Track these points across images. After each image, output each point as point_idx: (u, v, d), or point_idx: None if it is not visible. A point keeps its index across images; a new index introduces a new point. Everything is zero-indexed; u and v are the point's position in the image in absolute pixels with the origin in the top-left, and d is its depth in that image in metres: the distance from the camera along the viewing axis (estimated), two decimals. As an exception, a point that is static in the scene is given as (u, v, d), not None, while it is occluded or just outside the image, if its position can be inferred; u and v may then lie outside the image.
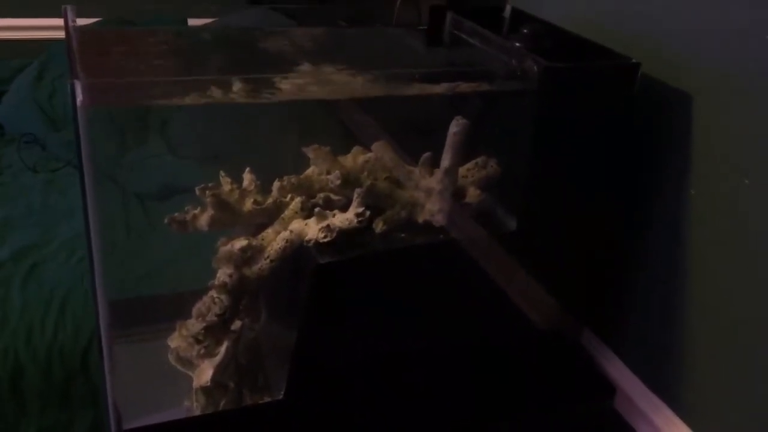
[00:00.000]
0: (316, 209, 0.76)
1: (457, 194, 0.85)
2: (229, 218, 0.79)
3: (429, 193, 0.82)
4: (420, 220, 0.82)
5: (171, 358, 0.84)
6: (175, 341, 0.83)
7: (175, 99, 0.67)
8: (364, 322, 0.79)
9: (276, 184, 0.78)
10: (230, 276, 0.78)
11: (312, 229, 0.77)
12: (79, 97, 0.61)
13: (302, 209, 0.79)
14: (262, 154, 1.12)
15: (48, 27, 2.23)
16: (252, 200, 0.79)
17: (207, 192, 0.76)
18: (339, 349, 0.79)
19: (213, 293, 0.79)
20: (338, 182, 0.77)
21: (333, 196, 0.81)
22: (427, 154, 0.82)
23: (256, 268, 0.79)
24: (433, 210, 0.81)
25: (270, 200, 0.80)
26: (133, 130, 1.81)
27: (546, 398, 0.91)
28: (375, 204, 0.81)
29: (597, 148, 0.81)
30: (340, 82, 0.73)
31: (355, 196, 0.76)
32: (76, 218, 1.49)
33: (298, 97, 0.70)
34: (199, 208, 0.79)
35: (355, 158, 0.83)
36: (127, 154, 1.75)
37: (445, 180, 0.81)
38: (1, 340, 1.21)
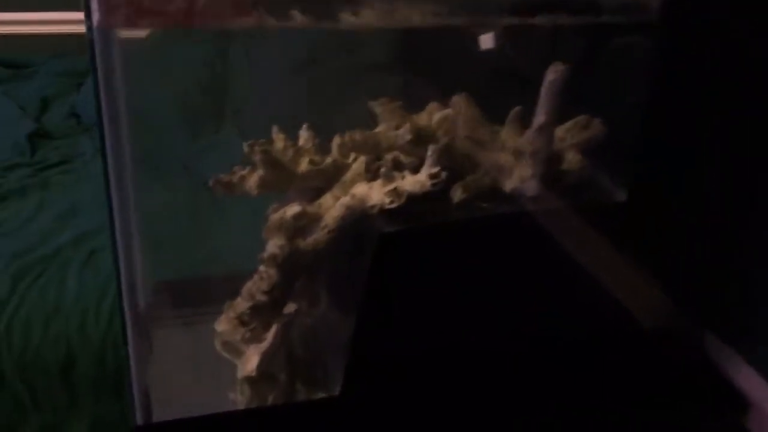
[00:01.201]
0: (382, 170, 0.64)
1: (553, 160, 0.70)
2: (281, 180, 0.67)
3: (518, 156, 0.68)
4: (507, 188, 0.69)
5: (217, 344, 0.73)
6: (221, 325, 0.72)
7: (224, 19, 0.56)
8: (435, 307, 0.66)
9: (336, 141, 0.66)
10: (281, 248, 0.66)
11: (377, 194, 0.64)
12: (96, 17, 0.51)
13: (367, 171, 0.67)
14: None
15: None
16: (308, 159, 0.67)
17: (256, 148, 0.65)
18: (405, 339, 0.66)
19: (261, 268, 0.67)
20: (408, 137, 0.64)
21: (403, 158, 0.68)
22: (516, 109, 0.69)
23: (311, 239, 0.67)
24: (523, 176, 0.68)
25: (329, 160, 0.68)
26: (205, 118, 1.75)
27: (658, 414, 0.75)
28: (453, 167, 0.67)
29: (735, 102, 0.66)
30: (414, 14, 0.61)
31: (429, 153, 0.63)
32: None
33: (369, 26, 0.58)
34: (248, 169, 0.68)
35: (430, 115, 0.70)
36: (199, 142, 1.69)
37: (539, 140, 0.67)
38: (54, 327, 1.14)
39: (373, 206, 0.64)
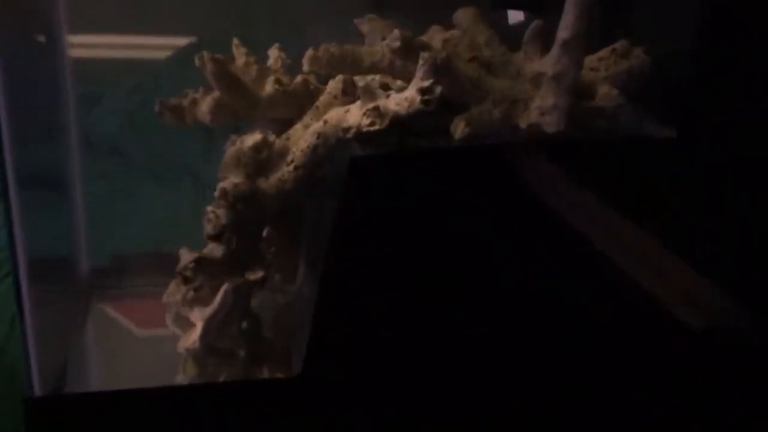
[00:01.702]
0: (361, 84, 0.51)
1: (583, 94, 0.56)
2: (240, 104, 0.54)
3: (538, 83, 0.54)
4: (523, 124, 0.55)
5: (168, 319, 0.59)
6: (169, 294, 0.59)
7: None
8: (416, 261, 0.51)
9: (308, 55, 0.53)
10: (235, 185, 0.53)
11: (354, 115, 0.51)
12: None
13: (344, 94, 0.54)
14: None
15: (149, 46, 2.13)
16: (274, 80, 0.54)
17: (208, 61, 0.52)
18: (378, 302, 0.51)
19: (208, 208, 0.54)
20: (397, 45, 0.51)
21: (391, 82, 0.55)
22: (536, 23, 0.55)
23: (274, 178, 0.54)
24: (544, 106, 0.54)
25: (298, 80, 0.55)
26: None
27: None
28: (454, 97, 0.54)
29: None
30: None
31: (420, 63, 0.50)
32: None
33: None
34: (201, 90, 0.55)
35: (431, 39, 0.57)
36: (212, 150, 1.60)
37: (565, 59, 0.53)
38: None
39: (347, 129, 0.50)
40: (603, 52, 0.57)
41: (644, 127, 0.57)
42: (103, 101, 1.97)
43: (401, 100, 0.50)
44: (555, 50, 0.53)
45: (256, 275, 0.58)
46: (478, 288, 0.51)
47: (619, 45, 0.57)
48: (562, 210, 0.54)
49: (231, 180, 0.53)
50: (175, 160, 1.60)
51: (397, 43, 0.50)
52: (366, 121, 0.49)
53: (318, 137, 0.52)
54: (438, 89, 0.49)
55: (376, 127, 0.49)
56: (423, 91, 0.49)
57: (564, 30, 0.52)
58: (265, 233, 0.62)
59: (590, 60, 0.57)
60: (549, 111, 0.53)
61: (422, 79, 0.49)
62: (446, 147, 0.50)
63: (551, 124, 0.53)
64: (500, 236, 0.52)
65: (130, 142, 1.79)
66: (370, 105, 0.50)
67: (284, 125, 0.56)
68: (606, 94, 0.56)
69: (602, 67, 0.57)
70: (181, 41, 1.91)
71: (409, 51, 0.51)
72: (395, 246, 0.50)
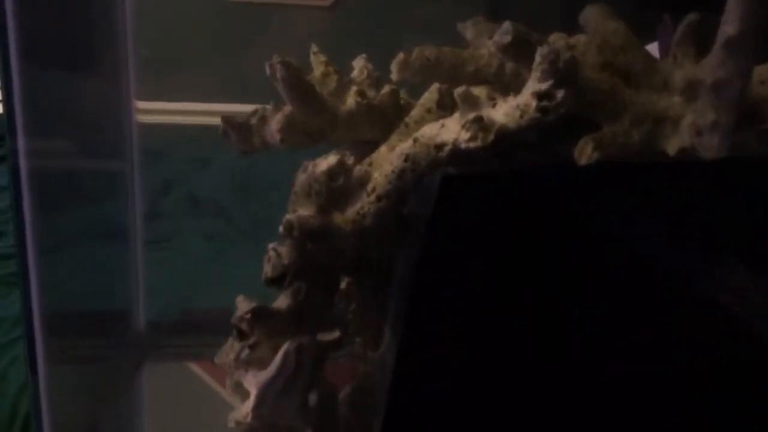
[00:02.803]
0: (459, 91, 0.40)
1: (748, 114, 0.44)
2: (316, 121, 0.45)
3: (692, 95, 0.42)
4: (671, 149, 0.42)
5: (228, 383, 0.49)
6: (223, 353, 0.49)
7: None
8: (536, 319, 0.39)
9: (398, 59, 0.43)
10: (304, 218, 0.43)
11: (450, 130, 0.40)
12: None
13: (440, 106, 0.44)
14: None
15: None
16: (356, 92, 0.45)
17: (278, 65, 0.44)
18: (478, 374, 0.39)
19: (271, 245, 0.44)
20: (507, 39, 0.40)
21: (500, 98, 0.44)
22: (691, 17, 0.43)
23: (352, 211, 0.44)
24: (700, 124, 0.41)
25: (385, 91, 0.45)
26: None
27: None
28: (581, 110, 0.43)
29: None
30: None
31: (538, 61, 0.39)
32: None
33: None
34: (272, 105, 0.47)
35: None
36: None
37: (730, 64, 0.40)
38: None
39: (441, 146, 0.39)
40: (778, 61, 0.44)
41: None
42: (213, 163, 2.00)
43: (511, 108, 0.39)
44: (716, 51, 0.41)
45: (330, 335, 0.47)
46: (609, 349, 0.38)
47: (801, 51, 0.44)
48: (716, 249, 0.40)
49: (299, 213, 0.43)
50: (277, 224, 1.57)
51: (508, 38, 0.40)
52: (465, 135, 0.39)
53: (406, 159, 0.42)
54: (560, 94, 0.38)
55: (478, 143, 0.38)
56: (540, 96, 0.38)
57: (729, 24, 0.40)
58: (343, 284, 0.51)
59: (759, 71, 0.44)
60: (707, 130, 0.41)
61: (539, 81, 0.38)
62: (566, 163, 0.38)
63: (710, 147, 0.41)
64: (639, 278, 0.39)
65: (235, 204, 1.80)
66: (471, 115, 0.39)
67: (369, 148, 0.47)
68: (784, 113, 0.43)
69: (778, 78, 0.44)
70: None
71: (523, 49, 0.40)
72: (499, 294, 0.38)
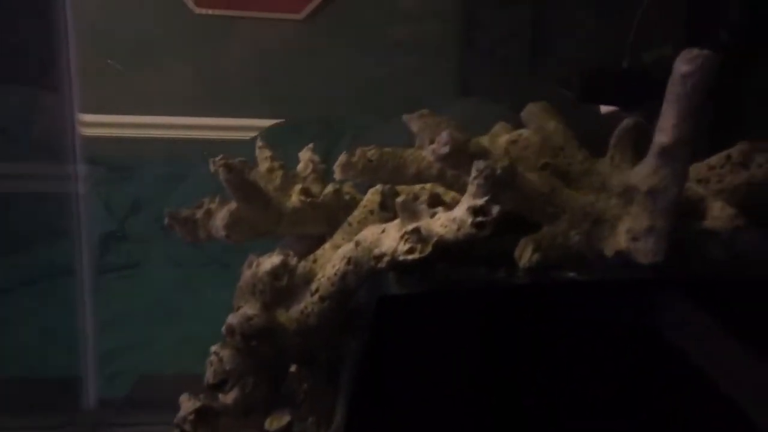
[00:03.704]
0: (399, 200, 0.41)
1: (689, 212, 0.44)
2: (261, 217, 0.45)
3: (629, 199, 0.43)
4: (608, 251, 0.43)
5: None
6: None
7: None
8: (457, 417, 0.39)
9: (341, 160, 0.44)
10: (246, 319, 0.43)
11: (390, 237, 0.41)
12: None
13: (383, 208, 0.44)
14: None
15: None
16: (300, 189, 0.45)
17: (219, 167, 0.44)
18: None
19: (213, 348, 0.44)
20: (445, 150, 0.40)
21: (443, 192, 0.45)
22: (627, 122, 0.44)
23: (296, 310, 0.44)
24: (636, 229, 0.42)
25: (329, 190, 0.46)
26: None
27: None
28: (520, 213, 0.43)
29: None
30: None
31: (473, 175, 0.39)
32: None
33: None
34: (217, 199, 0.47)
35: (494, 140, 0.47)
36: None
37: (664, 171, 0.41)
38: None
39: (380, 257, 0.40)
40: (715, 159, 0.45)
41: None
42: (187, 180, 1.97)
43: (449, 221, 0.39)
44: (651, 158, 0.41)
45: (279, 421, 0.47)
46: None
47: (736, 150, 0.45)
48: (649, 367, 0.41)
49: (243, 311, 0.44)
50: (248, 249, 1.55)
51: (446, 149, 0.40)
52: (404, 246, 0.39)
53: (348, 262, 0.42)
54: (495, 209, 0.38)
55: (416, 255, 0.39)
56: (475, 211, 0.38)
57: (663, 133, 0.41)
58: (293, 368, 0.52)
59: (698, 169, 0.45)
60: (643, 235, 0.41)
61: (475, 196, 0.39)
62: (498, 283, 0.39)
63: (646, 252, 0.41)
64: (552, 388, 0.40)
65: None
66: (410, 226, 0.39)
67: (315, 242, 0.47)
68: (719, 213, 0.44)
69: (714, 178, 0.45)
70: (267, 122, 1.90)
71: (460, 158, 0.41)
72: (428, 400, 0.39)
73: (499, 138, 0.47)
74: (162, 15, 1.96)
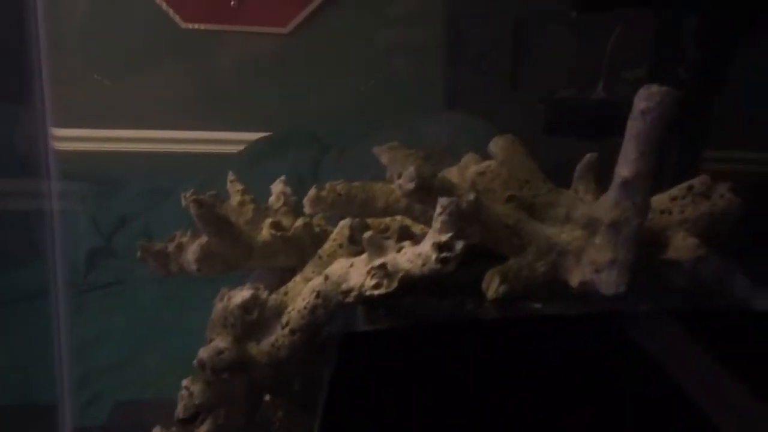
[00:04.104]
0: (366, 236, 0.41)
1: (653, 242, 0.45)
2: (232, 251, 0.46)
3: (592, 230, 0.43)
4: (573, 281, 0.44)
5: None
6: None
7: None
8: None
9: (310, 195, 0.45)
10: (218, 352, 0.44)
11: (358, 272, 0.41)
12: None
13: (352, 242, 0.45)
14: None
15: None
16: (270, 223, 0.46)
17: (190, 202, 0.44)
18: None
19: (184, 382, 0.45)
20: (410, 186, 0.41)
21: (412, 224, 0.46)
22: (589, 156, 0.45)
23: (267, 343, 0.45)
24: (599, 261, 0.43)
25: (299, 224, 0.46)
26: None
27: None
28: (487, 245, 0.44)
29: None
30: None
31: (438, 211, 0.40)
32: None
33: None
34: (189, 233, 0.47)
35: (463, 171, 0.48)
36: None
37: (625, 203, 0.42)
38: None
39: (348, 292, 0.40)
40: (677, 190, 0.46)
41: (734, 286, 0.45)
42: (172, 196, 1.96)
43: (414, 256, 0.40)
44: (613, 191, 0.42)
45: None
46: None
47: (698, 181, 0.46)
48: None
49: (214, 345, 0.44)
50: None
51: (411, 185, 0.41)
52: (370, 282, 0.40)
53: (318, 296, 0.43)
54: (459, 245, 0.39)
55: (382, 291, 0.39)
56: (440, 247, 0.39)
57: (624, 167, 0.42)
58: (267, 398, 0.52)
59: (661, 200, 0.46)
60: (606, 267, 0.42)
61: (440, 232, 0.39)
62: (463, 317, 0.39)
63: (608, 283, 0.42)
64: (520, 421, 0.40)
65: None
66: (377, 261, 0.40)
67: (287, 273, 0.48)
68: (682, 243, 0.45)
69: (676, 209, 0.45)
70: (254, 135, 1.91)
71: (426, 194, 0.41)
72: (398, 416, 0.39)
73: (468, 169, 0.48)
74: (149, 29, 1.96)
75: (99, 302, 1.46)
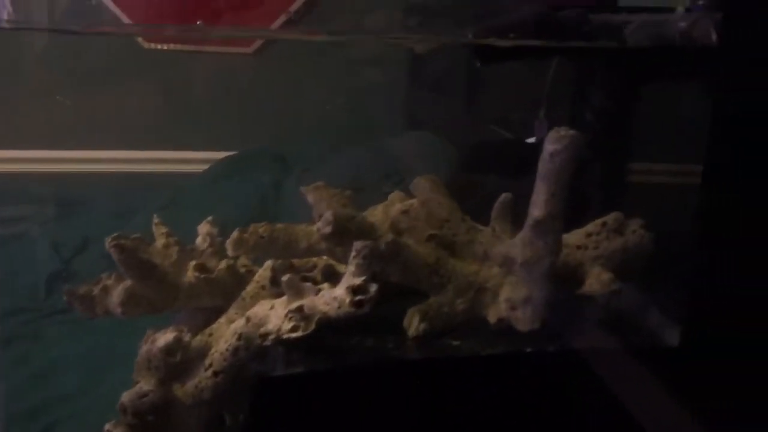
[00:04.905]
0: (285, 278, 0.42)
1: (569, 277, 0.47)
2: (157, 294, 0.46)
3: (508, 268, 0.45)
4: (491, 318, 0.45)
5: None
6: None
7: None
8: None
9: (233, 237, 0.45)
10: (141, 396, 0.44)
11: (277, 314, 0.42)
12: None
13: (274, 284, 0.45)
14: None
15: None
16: (194, 265, 0.46)
17: (111, 248, 0.45)
18: None
19: (107, 426, 0.45)
20: (327, 230, 0.42)
21: (338, 265, 0.46)
22: (504, 196, 0.46)
23: (191, 385, 0.45)
24: (514, 299, 0.44)
25: (223, 266, 0.47)
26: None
27: None
28: (407, 284, 0.45)
29: None
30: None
31: (353, 255, 0.41)
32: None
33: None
34: (114, 276, 0.47)
35: (387, 209, 0.49)
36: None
37: (538, 243, 0.43)
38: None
39: (266, 335, 0.41)
40: (592, 227, 0.47)
41: (647, 318, 0.47)
42: (137, 217, 1.95)
43: (331, 299, 0.41)
44: (526, 231, 0.43)
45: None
46: None
47: (611, 218, 0.47)
48: None
49: (138, 388, 0.44)
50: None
51: (329, 229, 0.42)
52: (287, 325, 0.40)
53: (239, 338, 0.43)
54: (373, 289, 0.40)
55: (299, 333, 0.40)
56: (354, 291, 0.40)
57: (535, 208, 0.43)
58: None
59: (577, 236, 0.47)
60: (520, 305, 0.43)
61: (354, 275, 0.40)
62: (379, 363, 0.40)
63: (524, 320, 0.43)
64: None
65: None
66: (294, 305, 0.41)
67: (214, 313, 0.48)
68: (597, 278, 0.46)
69: (591, 244, 0.47)
70: (218, 155, 1.90)
71: (343, 237, 0.42)
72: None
73: (393, 207, 0.49)
74: (111, 50, 1.96)
75: (57, 328, 1.45)
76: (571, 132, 0.42)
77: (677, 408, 0.44)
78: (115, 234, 0.45)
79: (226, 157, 1.96)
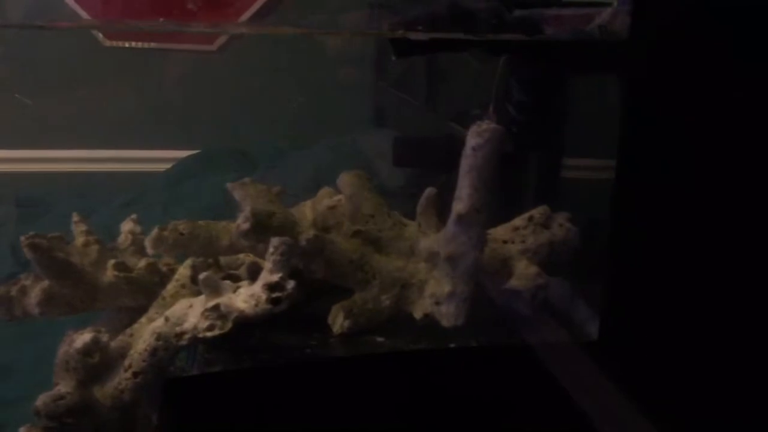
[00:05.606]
0: (202, 276, 0.41)
1: (497, 271, 0.46)
2: (76, 293, 0.45)
3: (433, 263, 0.44)
4: (417, 314, 0.44)
5: None
6: None
7: None
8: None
9: (152, 235, 0.44)
10: (58, 398, 0.43)
11: (195, 313, 0.41)
12: None
13: (194, 282, 0.44)
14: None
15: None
16: (113, 264, 0.45)
17: (26, 247, 0.43)
18: None
19: (21, 429, 0.44)
20: (246, 227, 0.41)
21: (262, 262, 0.45)
22: (429, 191, 0.45)
23: (110, 386, 0.44)
24: (438, 294, 0.43)
25: (142, 264, 0.46)
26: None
27: None
28: (332, 280, 0.44)
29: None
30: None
31: (270, 251, 0.40)
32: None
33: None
34: (32, 276, 0.46)
35: (316, 205, 0.48)
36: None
37: (461, 237, 0.43)
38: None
39: (182, 335, 0.40)
40: (519, 221, 0.47)
41: (573, 311, 0.46)
42: (93, 216, 1.92)
43: (248, 296, 0.40)
44: (450, 226, 0.43)
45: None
46: None
47: (538, 212, 0.47)
48: None
49: (55, 391, 0.43)
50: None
51: (246, 226, 0.41)
52: (204, 324, 0.40)
53: (158, 338, 0.42)
54: (290, 285, 0.39)
55: (215, 332, 0.39)
56: (271, 288, 0.39)
57: (458, 202, 0.42)
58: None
59: (504, 230, 0.47)
60: (445, 300, 0.43)
61: (271, 272, 0.40)
62: (294, 363, 0.40)
63: (448, 316, 0.43)
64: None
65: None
66: (210, 303, 0.40)
67: (137, 313, 0.47)
68: (524, 272, 0.46)
69: (518, 238, 0.46)
70: (181, 153, 1.88)
71: (263, 233, 0.41)
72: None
73: (324, 201, 0.48)
74: (71, 47, 1.92)
75: (13, 331, 1.42)
76: (492, 126, 0.41)
77: (601, 400, 0.43)
78: (31, 233, 0.44)
79: (190, 156, 1.94)
